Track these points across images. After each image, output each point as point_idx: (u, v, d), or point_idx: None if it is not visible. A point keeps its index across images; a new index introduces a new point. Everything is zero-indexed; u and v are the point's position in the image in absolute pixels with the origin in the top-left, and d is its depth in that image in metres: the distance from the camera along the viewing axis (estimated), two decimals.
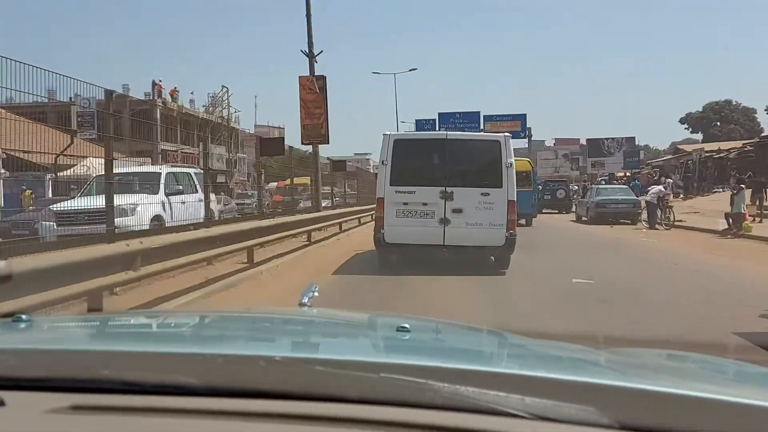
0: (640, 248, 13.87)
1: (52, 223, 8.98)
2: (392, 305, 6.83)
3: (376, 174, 11.63)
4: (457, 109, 49.42)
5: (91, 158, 10.81)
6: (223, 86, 41.40)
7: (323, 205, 20.28)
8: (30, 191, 12.67)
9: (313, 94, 19.00)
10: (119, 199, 7.68)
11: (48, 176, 11.24)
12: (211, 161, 16.20)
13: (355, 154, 72.78)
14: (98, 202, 7.87)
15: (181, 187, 12.18)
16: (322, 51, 19.40)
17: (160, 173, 11.95)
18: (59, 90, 6.94)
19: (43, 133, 8.36)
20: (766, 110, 57.05)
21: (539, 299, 7.56)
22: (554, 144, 63.16)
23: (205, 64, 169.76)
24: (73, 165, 12.42)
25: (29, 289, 4.34)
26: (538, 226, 20.21)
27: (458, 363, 1.02)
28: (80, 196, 9.93)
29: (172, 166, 15.37)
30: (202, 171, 11.74)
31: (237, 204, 25.67)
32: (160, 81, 36.08)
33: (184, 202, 11.68)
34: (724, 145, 40.58)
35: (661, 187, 20.90)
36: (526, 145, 47.52)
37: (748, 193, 18.17)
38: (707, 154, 39.26)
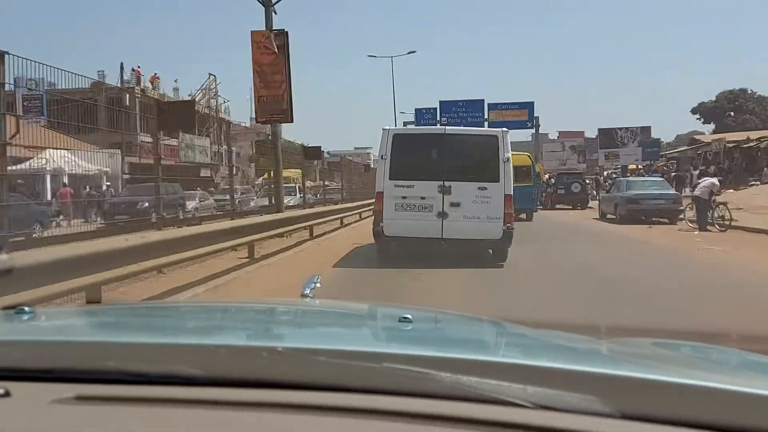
0: (720, 268, 9.43)
1: None
2: (391, 298, 6.83)
3: (367, 167, 11.70)
4: (460, 96, 47.23)
5: (50, 150, 10.02)
6: (210, 74, 39.54)
7: (290, 203, 17.88)
8: None
9: (271, 54, 13.99)
10: None
11: None
12: (193, 154, 15.41)
13: (356, 148, 72.86)
14: None
15: None
16: None
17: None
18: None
19: None
20: None
21: None
22: (558, 137, 60.72)
23: (203, 57, 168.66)
24: (29, 158, 11.50)
25: (31, 283, 4.36)
26: (551, 228, 17.02)
27: (460, 353, 1.02)
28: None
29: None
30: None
31: (216, 201, 21.52)
32: (139, 67, 34.86)
33: None
34: (753, 134, 37.00)
35: (714, 180, 17.21)
36: (531, 138, 44.99)
37: None
38: (731, 144, 36.31)
